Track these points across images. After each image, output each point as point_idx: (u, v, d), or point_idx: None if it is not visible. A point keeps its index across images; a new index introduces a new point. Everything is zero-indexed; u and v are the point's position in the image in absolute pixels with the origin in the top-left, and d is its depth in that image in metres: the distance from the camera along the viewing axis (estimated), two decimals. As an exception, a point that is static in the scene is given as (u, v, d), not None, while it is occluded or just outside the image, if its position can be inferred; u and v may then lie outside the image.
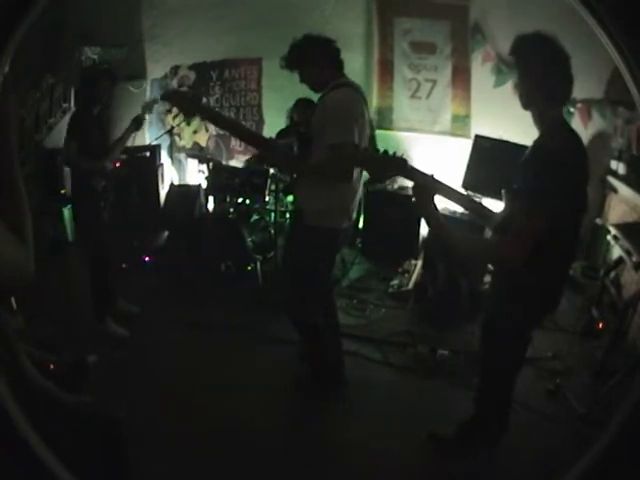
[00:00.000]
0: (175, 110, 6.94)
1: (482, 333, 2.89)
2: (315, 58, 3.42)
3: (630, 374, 3.58)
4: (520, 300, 2.56)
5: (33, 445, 1.38)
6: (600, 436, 1.41)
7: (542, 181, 2.28)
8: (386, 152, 2.66)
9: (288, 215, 5.47)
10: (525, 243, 2.29)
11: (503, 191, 2.62)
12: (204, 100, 6.87)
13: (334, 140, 3.21)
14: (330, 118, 3.29)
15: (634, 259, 3.98)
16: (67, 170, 4.80)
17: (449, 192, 2.67)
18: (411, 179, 2.58)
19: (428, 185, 2.54)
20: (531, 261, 2.31)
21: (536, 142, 2.48)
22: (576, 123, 5.37)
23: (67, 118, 4.60)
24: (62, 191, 6.04)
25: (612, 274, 4.63)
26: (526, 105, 2.48)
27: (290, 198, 5.43)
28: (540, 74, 2.37)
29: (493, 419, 3.00)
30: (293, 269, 3.64)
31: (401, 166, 2.61)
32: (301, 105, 5.22)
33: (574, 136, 2.49)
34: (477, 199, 2.77)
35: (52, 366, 2.76)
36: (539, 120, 2.48)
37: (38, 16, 1.39)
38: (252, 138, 3.75)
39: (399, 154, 2.66)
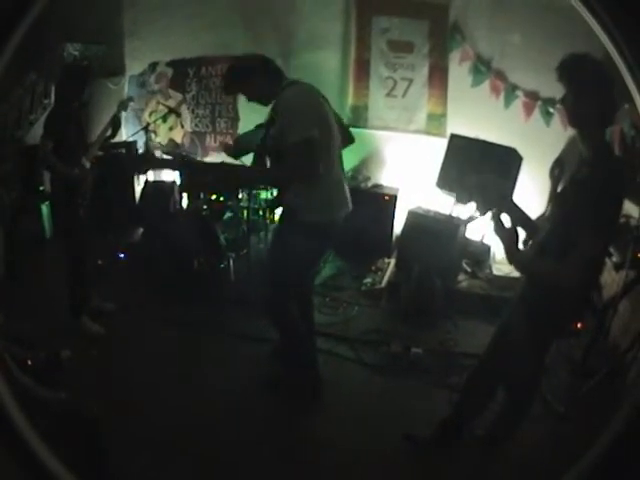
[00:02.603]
0: (151, 107, 6.97)
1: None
2: (252, 75, 3.46)
3: (611, 374, 3.62)
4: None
5: (31, 443, 1.38)
6: (599, 436, 1.41)
7: (604, 209, 2.38)
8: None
9: (261, 213, 5.49)
10: (587, 266, 2.40)
11: (548, 207, 2.73)
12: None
13: (293, 139, 3.17)
14: (286, 120, 3.27)
15: (614, 259, 3.99)
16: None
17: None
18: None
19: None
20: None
21: (590, 167, 2.49)
22: (556, 124, 5.39)
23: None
24: (41, 187, 6.02)
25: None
26: (576, 124, 2.54)
27: (263, 195, 5.45)
28: (597, 97, 2.43)
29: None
30: (280, 266, 3.59)
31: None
32: None
33: (616, 159, 2.74)
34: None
35: (29, 362, 2.76)
36: (587, 140, 2.52)
37: (38, 16, 1.39)
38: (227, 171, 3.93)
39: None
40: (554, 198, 2.71)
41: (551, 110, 5.55)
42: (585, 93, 2.43)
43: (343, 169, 3.58)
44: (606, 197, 2.37)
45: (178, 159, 6.00)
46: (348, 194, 3.59)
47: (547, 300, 2.59)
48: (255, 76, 3.46)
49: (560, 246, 2.46)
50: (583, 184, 2.45)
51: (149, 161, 3.47)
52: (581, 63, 2.46)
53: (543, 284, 2.62)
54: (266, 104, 3.55)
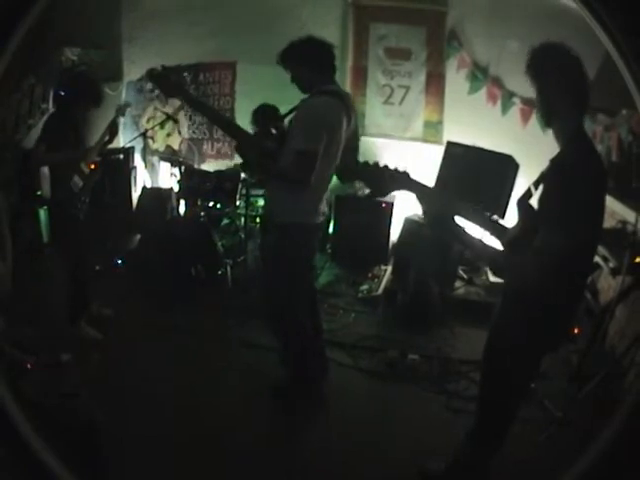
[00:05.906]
0: (149, 113, 6.97)
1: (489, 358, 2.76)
2: (310, 60, 3.44)
3: (608, 379, 3.58)
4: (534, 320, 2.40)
5: (32, 444, 1.38)
6: (597, 439, 1.41)
7: (564, 202, 2.23)
8: (386, 166, 2.62)
9: (259, 219, 5.46)
10: (544, 261, 2.24)
11: (516, 206, 2.57)
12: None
13: (298, 145, 3.26)
14: (301, 122, 3.37)
15: (611, 265, 3.98)
16: (44, 172, 4.72)
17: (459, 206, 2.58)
18: (415, 193, 2.58)
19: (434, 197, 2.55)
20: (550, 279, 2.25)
21: (555, 159, 2.39)
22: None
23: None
24: (38, 192, 6.00)
25: (588, 280, 4.63)
26: (549, 120, 2.42)
27: (261, 202, 5.44)
28: (563, 82, 2.31)
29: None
30: (274, 275, 3.60)
31: (404, 180, 2.58)
32: (261, 111, 5.22)
33: (591, 148, 2.46)
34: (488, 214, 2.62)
35: (29, 366, 2.75)
36: (561, 133, 2.40)
37: (36, 20, 1.39)
38: (231, 128, 3.82)
39: (400, 167, 2.62)
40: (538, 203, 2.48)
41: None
42: (553, 81, 2.32)
43: (329, 178, 3.62)
44: (569, 186, 2.22)
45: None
46: (325, 204, 3.66)
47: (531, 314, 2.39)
48: (318, 61, 3.47)
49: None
50: (547, 177, 2.37)
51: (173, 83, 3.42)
52: (542, 53, 2.35)
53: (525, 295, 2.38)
54: (304, 92, 3.53)
